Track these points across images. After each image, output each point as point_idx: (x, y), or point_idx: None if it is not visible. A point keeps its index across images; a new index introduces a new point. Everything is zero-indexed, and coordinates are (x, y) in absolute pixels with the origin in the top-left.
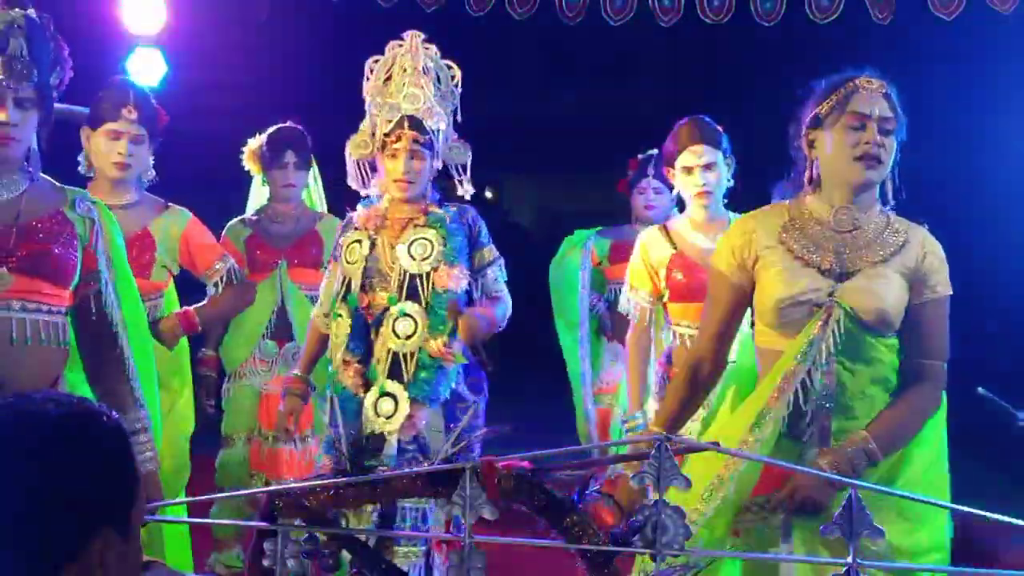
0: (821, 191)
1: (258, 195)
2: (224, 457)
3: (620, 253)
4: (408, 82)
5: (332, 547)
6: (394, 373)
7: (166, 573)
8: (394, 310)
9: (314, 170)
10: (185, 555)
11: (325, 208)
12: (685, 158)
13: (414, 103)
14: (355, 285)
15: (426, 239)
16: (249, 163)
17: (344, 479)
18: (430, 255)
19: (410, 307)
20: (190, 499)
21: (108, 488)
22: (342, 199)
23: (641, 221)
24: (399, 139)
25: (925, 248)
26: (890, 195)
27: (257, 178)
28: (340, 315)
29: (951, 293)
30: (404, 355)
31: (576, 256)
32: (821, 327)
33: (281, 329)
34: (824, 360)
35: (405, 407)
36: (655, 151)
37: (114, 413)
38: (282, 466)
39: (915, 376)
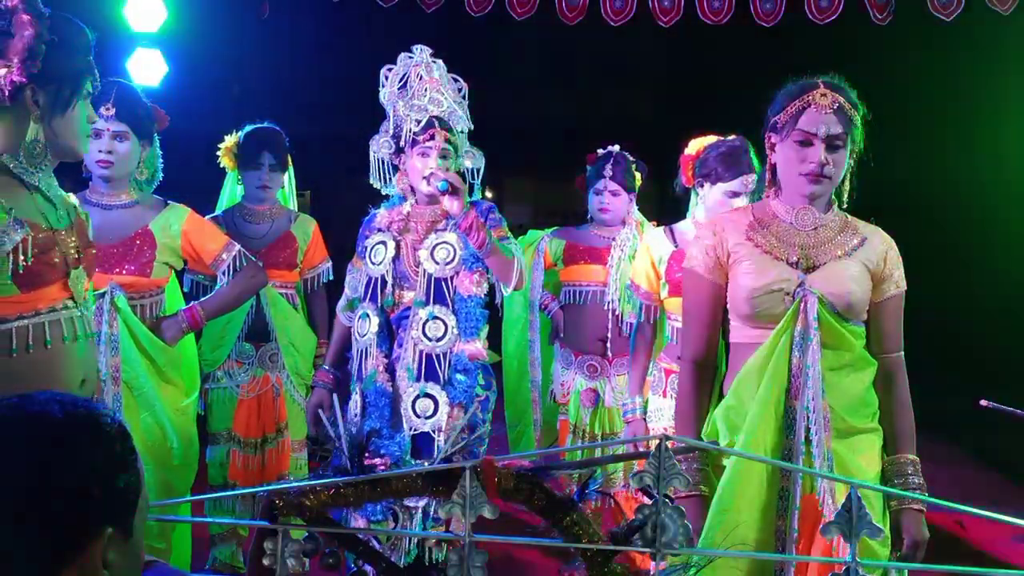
0: (783, 193)
1: (231, 192)
2: (212, 454)
3: (575, 254)
4: (429, 87)
5: (333, 546)
6: (429, 374)
7: (167, 572)
8: (423, 313)
9: (289, 171)
10: (185, 549)
11: (295, 206)
12: (736, 185)
13: (439, 106)
14: (388, 286)
15: (448, 243)
16: (224, 160)
17: (344, 479)
18: (453, 259)
19: (439, 310)
20: (188, 499)
21: (111, 488)
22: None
23: (597, 222)
24: (432, 137)
25: (886, 245)
26: (844, 200)
27: (231, 175)
28: (368, 314)
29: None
30: (437, 356)
31: (528, 257)
32: (802, 316)
33: (258, 330)
34: (810, 348)
35: (446, 408)
36: (615, 147)
37: (117, 414)
38: (257, 474)
39: (891, 370)
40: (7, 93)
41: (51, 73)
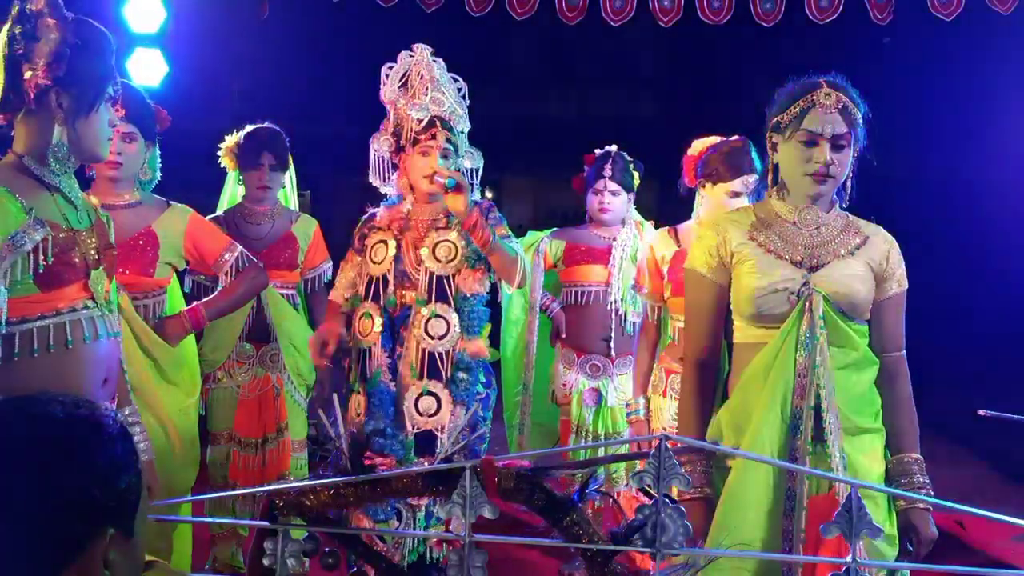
0: (786, 193)
1: (231, 192)
2: (212, 454)
3: (575, 255)
4: (429, 87)
5: (333, 546)
6: (431, 372)
7: (168, 573)
8: (425, 311)
9: (290, 171)
10: (186, 549)
11: (296, 206)
12: (737, 185)
13: (440, 106)
14: (390, 286)
15: (449, 241)
16: (225, 160)
17: (344, 479)
18: (455, 257)
19: (441, 308)
20: (189, 498)
21: (112, 489)
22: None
23: (596, 222)
24: (433, 137)
25: (888, 244)
26: (845, 199)
27: (231, 175)
28: (370, 314)
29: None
30: (440, 354)
31: (528, 258)
32: (807, 316)
33: (258, 331)
34: (818, 347)
35: (448, 407)
36: (613, 147)
37: (117, 415)
38: (258, 474)
39: (894, 369)
40: (32, 96)
41: (75, 77)
